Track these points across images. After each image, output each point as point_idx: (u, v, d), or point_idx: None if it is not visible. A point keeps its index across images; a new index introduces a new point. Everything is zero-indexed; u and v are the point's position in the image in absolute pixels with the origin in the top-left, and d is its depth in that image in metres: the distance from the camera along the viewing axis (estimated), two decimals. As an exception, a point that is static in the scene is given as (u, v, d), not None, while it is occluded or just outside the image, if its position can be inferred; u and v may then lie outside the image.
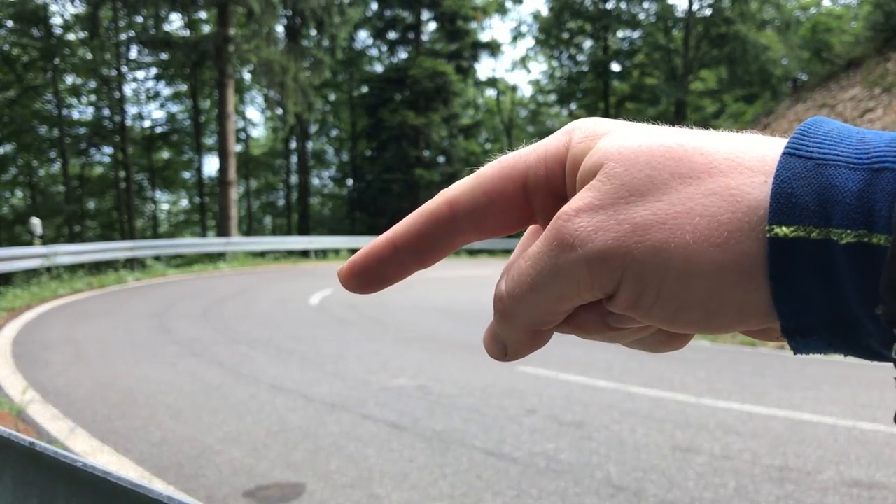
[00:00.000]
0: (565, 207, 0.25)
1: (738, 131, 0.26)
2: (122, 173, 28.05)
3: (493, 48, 30.17)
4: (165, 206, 34.65)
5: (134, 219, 27.36)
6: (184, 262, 18.04)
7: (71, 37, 26.04)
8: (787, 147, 0.23)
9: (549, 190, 0.28)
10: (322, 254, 21.09)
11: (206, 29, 26.59)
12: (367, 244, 0.31)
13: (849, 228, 0.21)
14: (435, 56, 28.31)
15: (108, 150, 28.98)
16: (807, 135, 0.23)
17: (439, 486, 3.00)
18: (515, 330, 0.28)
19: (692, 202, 0.23)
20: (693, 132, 0.26)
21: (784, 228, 0.22)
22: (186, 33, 26.39)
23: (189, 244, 18.01)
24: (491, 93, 35.96)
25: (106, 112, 27.80)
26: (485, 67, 78.68)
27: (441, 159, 28.44)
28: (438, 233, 0.29)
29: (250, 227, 32.78)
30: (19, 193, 29.90)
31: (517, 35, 36.62)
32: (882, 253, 0.20)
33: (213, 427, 3.85)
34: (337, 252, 21.49)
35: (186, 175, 32.75)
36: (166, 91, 30.64)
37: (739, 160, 0.24)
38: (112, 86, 26.85)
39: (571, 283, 0.25)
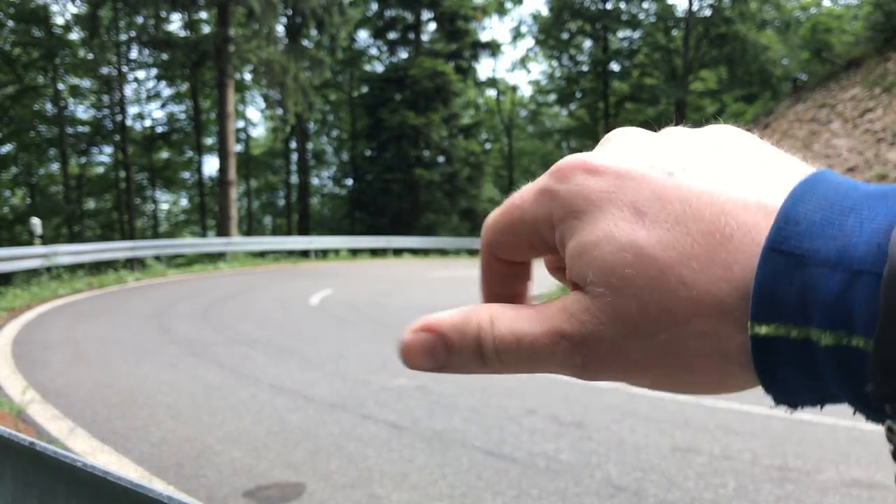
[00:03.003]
0: (565, 327, 0.26)
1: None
2: (122, 173, 28.07)
3: (493, 48, 30.16)
4: (165, 206, 34.69)
5: (134, 219, 27.38)
6: (184, 262, 18.04)
7: (71, 37, 26.07)
8: (768, 240, 0.23)
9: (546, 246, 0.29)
10: (322, 254, 21.09)
11: (206, 29, 26.57)
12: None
13: (829, 329, 0.21)
14: (435, 56, 28.29)
15: (108, 150, 29.03)
16: (789, 222, 0.23)
17: (439, 486, 3.00)
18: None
19: (680, 346, 0.24)
20: (680, 220, 0.24)
21: (764, 327, 0.22)
22: (186, 33, 26.40)
23: (189, 244, 18.00)
24: (491, 93, 36.00)
25: (106, 112, 27.82)
26: (485, 67, 78.71)
27: (441, 159, 28.42)
28: (502, 280, 0.31)
29: (250, 227, 32.76)
30: (20, 193, 29.90)
31: (517, 35, 36.67)
32: (862, 355, 0.20)
33: (213, 427, 3.85)
34: (337, 252, 21.49)
35: (186, 175, 32.77)
36: (166, 91, 30.67)
37: (720, 300, 0.24)
38: (112, 86, 26.86)
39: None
